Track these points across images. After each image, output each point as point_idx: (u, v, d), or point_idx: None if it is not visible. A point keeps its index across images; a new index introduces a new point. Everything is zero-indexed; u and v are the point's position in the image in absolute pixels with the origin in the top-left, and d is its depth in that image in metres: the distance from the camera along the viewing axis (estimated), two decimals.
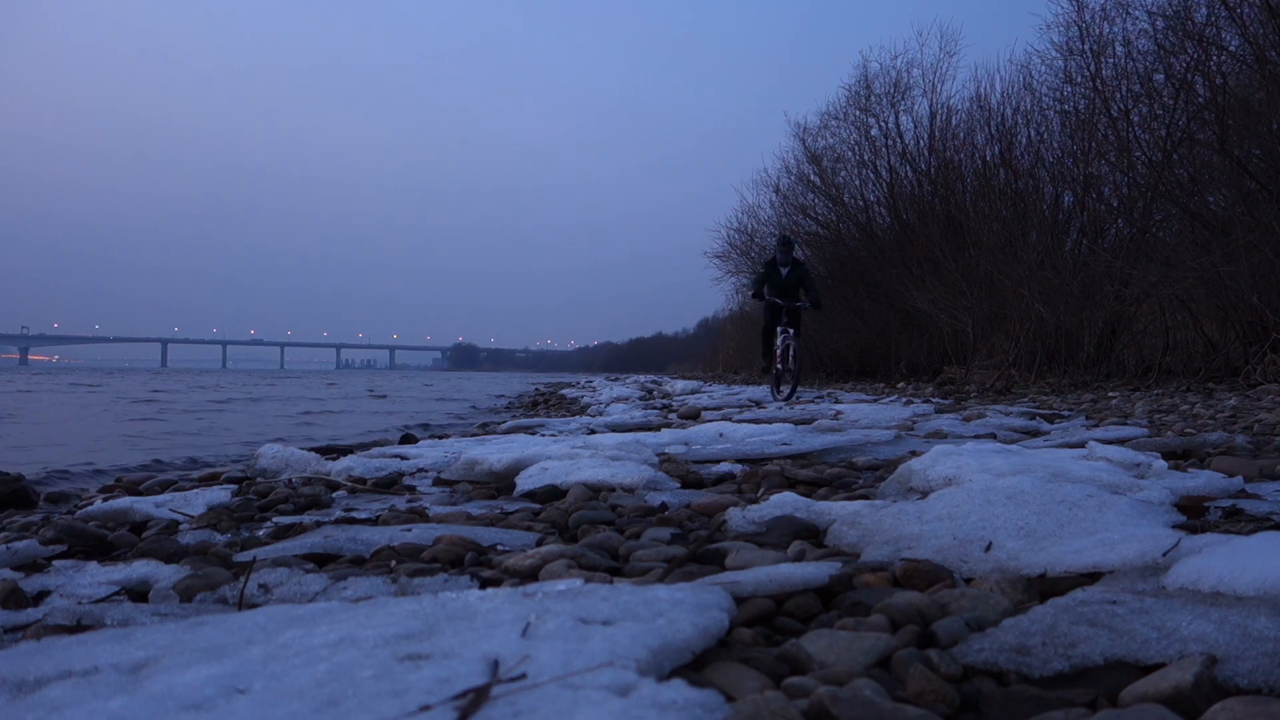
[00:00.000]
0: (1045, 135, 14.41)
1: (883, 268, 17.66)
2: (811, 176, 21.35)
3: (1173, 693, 0.91)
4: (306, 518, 2.51)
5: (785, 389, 10.12)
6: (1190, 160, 11.06)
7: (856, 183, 20.07)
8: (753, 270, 26.72)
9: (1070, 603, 1.18)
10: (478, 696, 0.81)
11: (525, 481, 2.97)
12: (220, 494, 2.85)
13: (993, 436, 4.52)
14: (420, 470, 3.57)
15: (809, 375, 20.63)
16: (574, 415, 8.61)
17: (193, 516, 2.51)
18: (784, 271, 10.14)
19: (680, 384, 18.85)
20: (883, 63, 20.51)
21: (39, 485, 3.53)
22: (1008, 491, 1.80)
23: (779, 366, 9.99)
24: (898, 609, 1.21)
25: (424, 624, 1.05)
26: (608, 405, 10.37)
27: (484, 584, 1.60)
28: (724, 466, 3.37)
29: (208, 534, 2.25)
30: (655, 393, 14.93)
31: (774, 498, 2.13)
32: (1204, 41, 10.65)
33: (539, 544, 1.98)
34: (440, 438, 5.44)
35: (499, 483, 3.14)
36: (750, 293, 10.90)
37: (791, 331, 9.91)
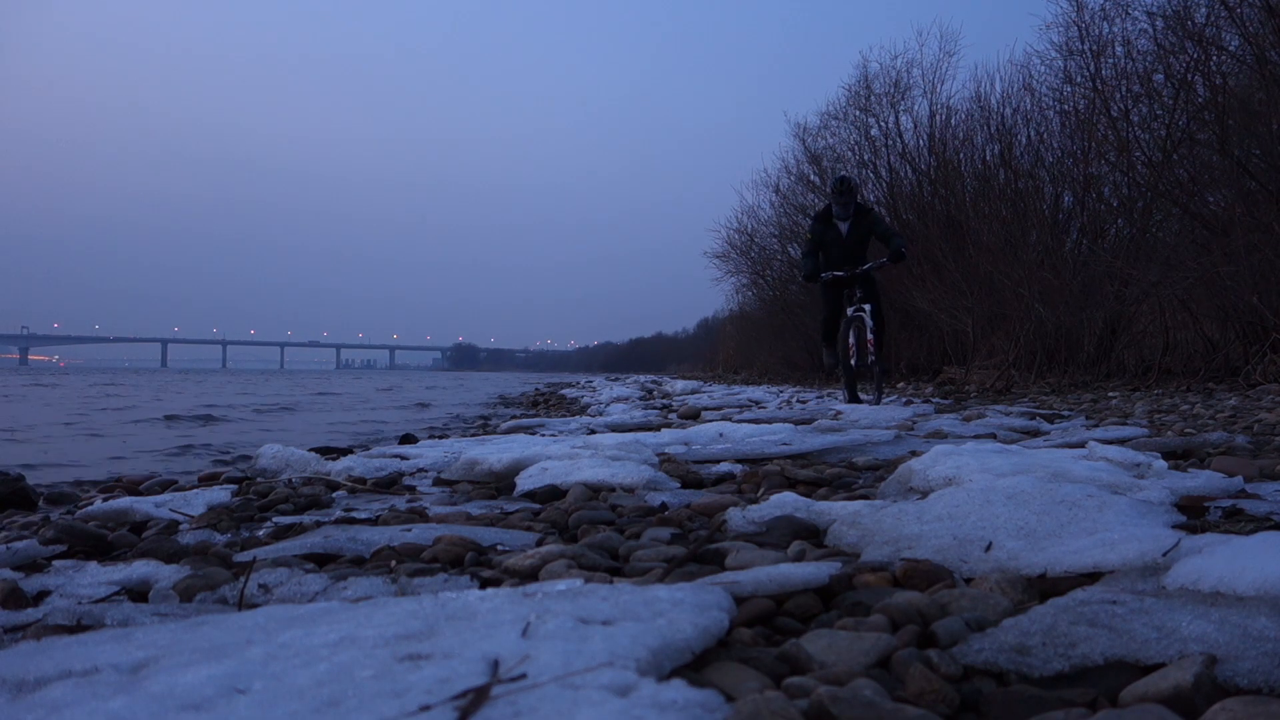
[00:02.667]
0: (1045, 135, 14.40)
1: (882, 268, 17.65)
2: (811, 177, 21.34)
3: (1173, 693, 0.91)
4: (306, 518, 2.51)
5: (866, 393, 7.51)
6: (1190, 160, 11.05)
7: (856, 183, 20.08)
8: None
9: (1070, 603, 1.18)
10: (478, 696, 0.81)
11: (525, 481, 2.97)
12: (220, 494, 2.85)
13: (993, 436, 4.51)
14: (420, 470, 3.56)
15: (807, 375, 20.59)
16: (574, 415, 8.61)
17: (193, 516, 2.51)
18: (843, 227, 7.27)
19: (680, 384, 18.86)
20: (883, 63, 20.51)
21: None
22: (1008, 491, 1.80)
23: (852, 362, 7.27)
24: (898, 609, 1.21)
25: (424, 624, 1.05)
26: (608, 405, 10.37)
27: (484, 584, 1.60)
28: (724, 466, 3.37)
29: (208, 534, 2.25)
30: (655, 393, 14.93)
31: (774, 498, 2.13)
32: (1204, 41, 10.65)
33: (539, 544, 1.98)
34: (440, 437, 5.44)
35: (499, 483, 3.14)
36: (802, 274, 7.61)
37: (869, 308, 7.08)
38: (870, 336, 6.97)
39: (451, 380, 45.61)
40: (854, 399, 7.38)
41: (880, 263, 7.21)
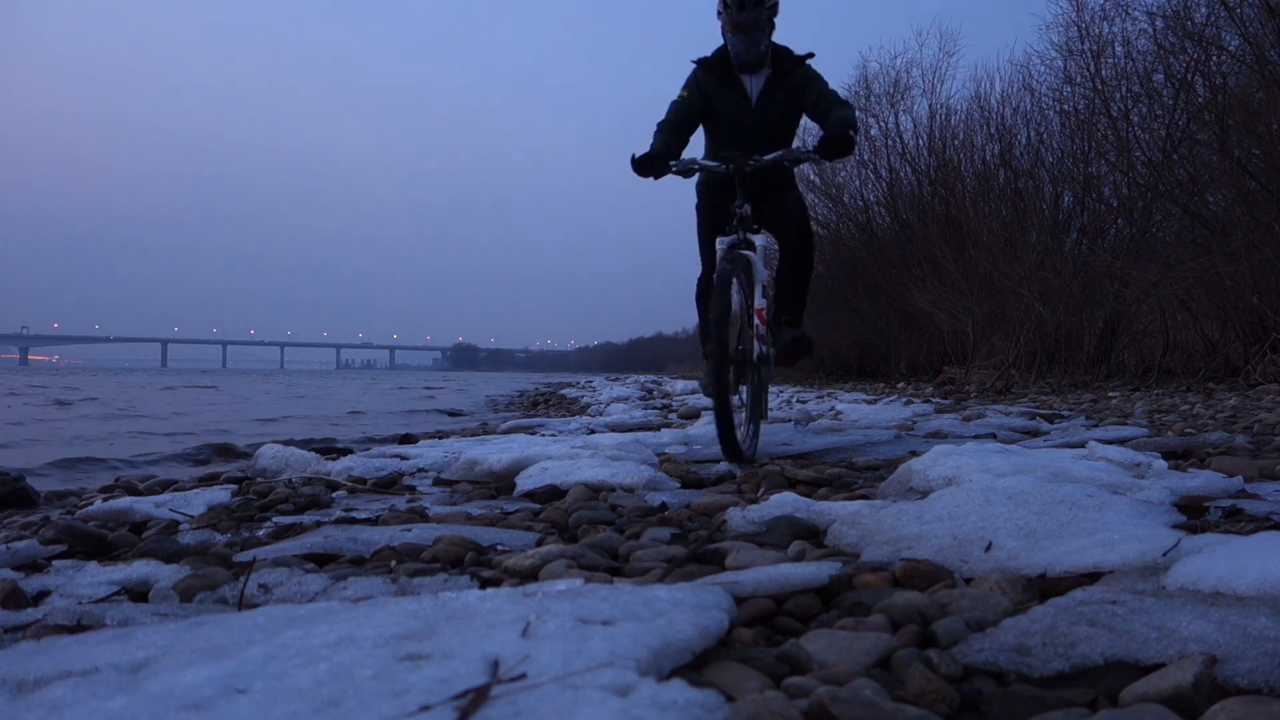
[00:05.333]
0: (1045, 135, 14.40)
1: (882, 268, 17.65)
2: (811, 176, 21.36)
3: (1173, 693, 0.91)
4: (306, 518, 2.51)
5: (740, 416, 3.51)
6: (1190, 160, 11.05)
7: (856, 183, 20.06)
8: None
9: (1070, 603, 1.17)
10: (478, 696, 0.81)
11: (525, 481, 2.96)
12: (220, 494, 2.85)
13: (993, 436, 4.51)
14: (420, 470, 3.56)
15: (807, 375, 20.53)
16: (574, 415, 8.61)
17: (193, 516, 2.51)
18: (752, 86, 3.89)
19: (680, 384, 18.85)
20: (882, 63, 20.57)
21: None
22: (1008, 491, 1.80)
23: (709, 344, 3.39)
24: (898, 609, 1.21)
25: (424, 624, 1.05)
26: (608, 405, 10.37)
27: (484, 584, 1.60)
28: (724, 466, 3.37)
29: (208, 534, 2.25)
30: (655, 393, 14.93)
31: (774, 498, 2.13)
32: (1204, 41, 10.65)
33: (539, 544, 1.98)
34: (440, 437, 5.44)
35: (499, 483, 3.14)
36: (633, 158, 3.61)
37: (762, 243, 3.70)
38: (761, 303, 3.61)
39: (481, 378, 55.34)
40: (725, 436, 3.32)
41: (798, 151, 3.85)
